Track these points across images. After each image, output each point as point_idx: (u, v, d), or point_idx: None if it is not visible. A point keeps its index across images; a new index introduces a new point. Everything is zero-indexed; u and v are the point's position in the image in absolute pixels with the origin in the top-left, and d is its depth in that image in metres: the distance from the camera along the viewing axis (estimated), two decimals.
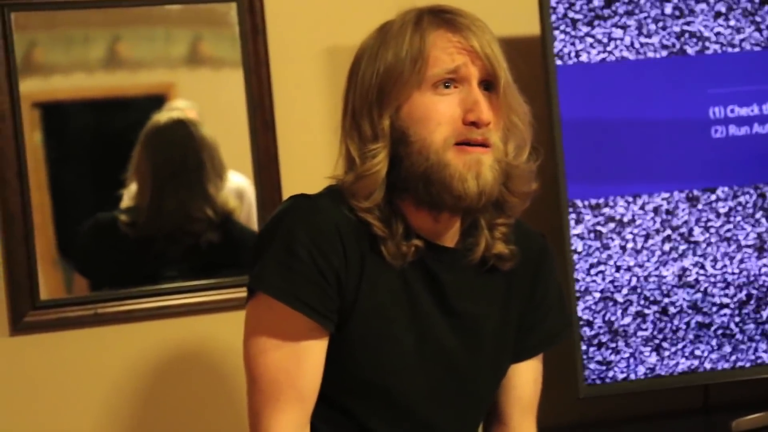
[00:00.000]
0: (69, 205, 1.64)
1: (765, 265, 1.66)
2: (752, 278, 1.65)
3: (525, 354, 1.25)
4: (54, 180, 1.62)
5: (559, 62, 1.59)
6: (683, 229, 1.65)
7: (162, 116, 1.65)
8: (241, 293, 1.31)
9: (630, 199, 1.57)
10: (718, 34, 1.64)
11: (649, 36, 1.63)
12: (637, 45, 1.62)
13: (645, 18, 1.62)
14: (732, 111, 1.66)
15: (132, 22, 1.65)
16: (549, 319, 1.22)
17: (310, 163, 1.66)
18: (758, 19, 1.67)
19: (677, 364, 1.65)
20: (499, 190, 1.13)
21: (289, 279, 1.09)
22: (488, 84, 1.13)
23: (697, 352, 1.65)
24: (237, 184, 1.73)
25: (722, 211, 1.64)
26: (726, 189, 1.66)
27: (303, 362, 1.10)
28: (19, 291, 1.57)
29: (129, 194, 1.65)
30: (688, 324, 1.63)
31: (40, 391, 1.66)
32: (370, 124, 1.17)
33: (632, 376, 1.64)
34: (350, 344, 1.14)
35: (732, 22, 1.64)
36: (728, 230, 1.65)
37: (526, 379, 1.28)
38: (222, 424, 1.76)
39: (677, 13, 1.63)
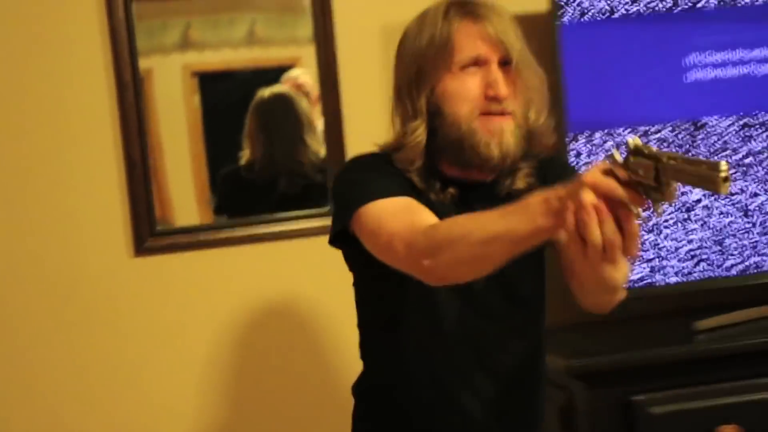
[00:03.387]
0: (218, 154, 2.04)
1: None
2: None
3: None
4: (207, 133, 2.01)
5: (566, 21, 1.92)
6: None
7: (264, 91, 2.03)
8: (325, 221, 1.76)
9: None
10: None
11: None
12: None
13: None
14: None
15: (266, 10, 2.02)
16: None
17: (370, 124, 1.96)
18: None
19: (666, 275, 2.03)
20: (523, 146, 1.38)
21: (375, 183, 1.37)
22: (506, 62, 1.37)
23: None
24: None
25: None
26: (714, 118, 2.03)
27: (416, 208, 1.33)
28: (138, 222, 1.96)
29: (246, 150, 2.07)
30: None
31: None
32: (411, 102, 1.42)
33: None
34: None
35: None
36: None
37: None
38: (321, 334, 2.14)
39: None
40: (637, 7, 1.98)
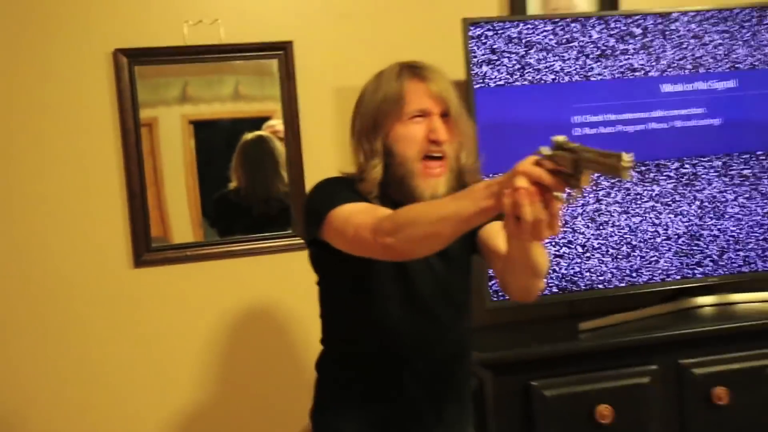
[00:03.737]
0: (208, 184, 2.27)
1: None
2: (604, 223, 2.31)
3: (482, 227, 1.57)
4: (200, 168, 2.24)
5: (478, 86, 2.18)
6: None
7: (248, 135, 2.28)
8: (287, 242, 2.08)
9: None
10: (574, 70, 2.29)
11: (522, 74, 2.26)
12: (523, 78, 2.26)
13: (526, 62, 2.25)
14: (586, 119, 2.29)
15: (246, 73, 2.26)
16: None
17: (322, 163, 2.25)
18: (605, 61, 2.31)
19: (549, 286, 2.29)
20: (454, 183, 1.53)
21: (341, 194, 1.50)
22: (445, 114, 1.54)
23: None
24: None
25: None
26: None
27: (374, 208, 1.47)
28: (137, 240, 2.19)
29: (233, 180, 2.30)
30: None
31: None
32: (369, 144, 1.58)
33: None
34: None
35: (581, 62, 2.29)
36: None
37: (493, 229, 1.60)
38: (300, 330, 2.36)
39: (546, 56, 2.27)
40: (530, 79, 2.26)
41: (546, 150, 1.19)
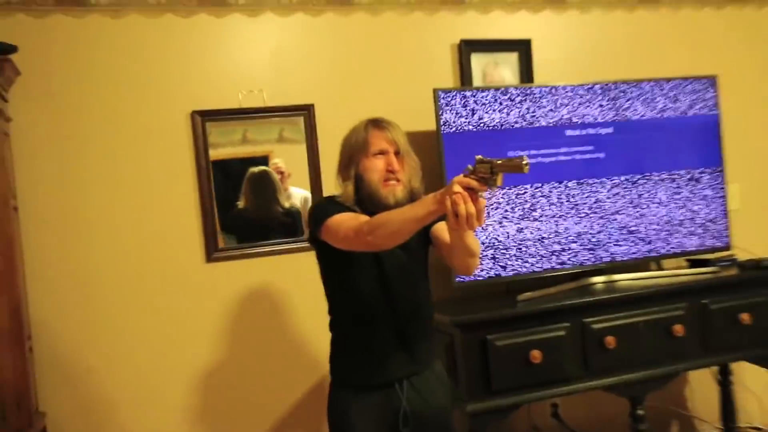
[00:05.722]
0: (223, 208, 2.65)
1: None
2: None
3: (432, 225, 1.80)
4: (218, 196, 2.67)
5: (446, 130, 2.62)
6: (527, 205, 2.77)
7: (254, 169, 2.67)
8: (298, 245, 2.53)
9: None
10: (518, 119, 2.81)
11: (472, 123, 2.72)
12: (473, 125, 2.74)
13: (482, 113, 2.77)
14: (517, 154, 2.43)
15: (254, 123, 2.66)
16: None
17: (334, 187, 2.37)
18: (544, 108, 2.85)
19: (505, 270, 2.76)
20: (410, 198, 1.78)
21: (333, 208, 1.75)
22: (398, 153, 1.83)
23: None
24: (304, 193, 2.79)
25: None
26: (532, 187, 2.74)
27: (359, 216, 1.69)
28: (208, 244, 2.67)
29: (241, 201, 2.69)
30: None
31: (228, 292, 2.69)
32: (347, 173, 1.85)
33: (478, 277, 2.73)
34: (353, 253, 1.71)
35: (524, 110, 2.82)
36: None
37: (440, 226, 1.82)
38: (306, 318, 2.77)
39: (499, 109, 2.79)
40: (478, 127, 2.71)
41: (470, 166, 1.40)
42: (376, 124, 1.86)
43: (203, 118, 2.66)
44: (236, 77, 2.74)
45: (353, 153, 1.85)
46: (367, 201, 1.82)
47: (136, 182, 2.64)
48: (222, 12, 2.77)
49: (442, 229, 1.80)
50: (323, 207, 1.82)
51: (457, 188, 1.36)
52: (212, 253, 2.71)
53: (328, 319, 2.01)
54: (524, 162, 1.27)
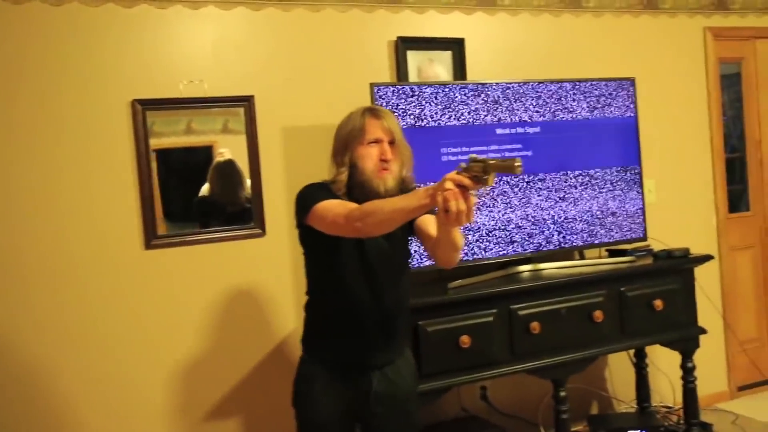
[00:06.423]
0: (168, 197, 2.73)
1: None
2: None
3: (418, 217, 1.81)
4: (162, 185, 2.74)
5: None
6: None
7: (219, 158, 2.77)
8: (252, 231, 2.58)
9: None
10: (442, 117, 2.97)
11: (406, 119, 2.90)
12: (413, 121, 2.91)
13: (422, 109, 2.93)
14: (449, 150, 2.89)
15: (199, 113, 2.73)
16: None
17: (275, 178, 2.83)
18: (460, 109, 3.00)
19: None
20: (399, 186, 1.79)
21: (321, 194, 1.74)
22: (392, 142, 1.84)
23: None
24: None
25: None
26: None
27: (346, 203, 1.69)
28: (147, 231, 2.71)
29: (204, 188, 2.78)
30: None
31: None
32: (341, 159, 1.85)
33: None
34: (339, 240, 1.72)
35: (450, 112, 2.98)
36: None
37: (427, 219, 1.84)
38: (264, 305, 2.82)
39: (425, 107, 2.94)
40: (412, 123, 2.86)
41: (464, 164, 1.40)
42: (373, 112, 1.88)
43: (144, 106, 2.72)
44: (178, 68, 2.79)
45: (348, 140, 1.86)
46: (358, 188, 1.84)
47: (74, 170, 2.67)
48: (164, 4, 2.83)
49: (427, 222, 1.85)
50: (311, 193, 1.83)
51: (449, 185, 1.38)
52: (151, 240, 2.76)
53: (305, 299, 2.05)
54: (517, 164, 1.30)
